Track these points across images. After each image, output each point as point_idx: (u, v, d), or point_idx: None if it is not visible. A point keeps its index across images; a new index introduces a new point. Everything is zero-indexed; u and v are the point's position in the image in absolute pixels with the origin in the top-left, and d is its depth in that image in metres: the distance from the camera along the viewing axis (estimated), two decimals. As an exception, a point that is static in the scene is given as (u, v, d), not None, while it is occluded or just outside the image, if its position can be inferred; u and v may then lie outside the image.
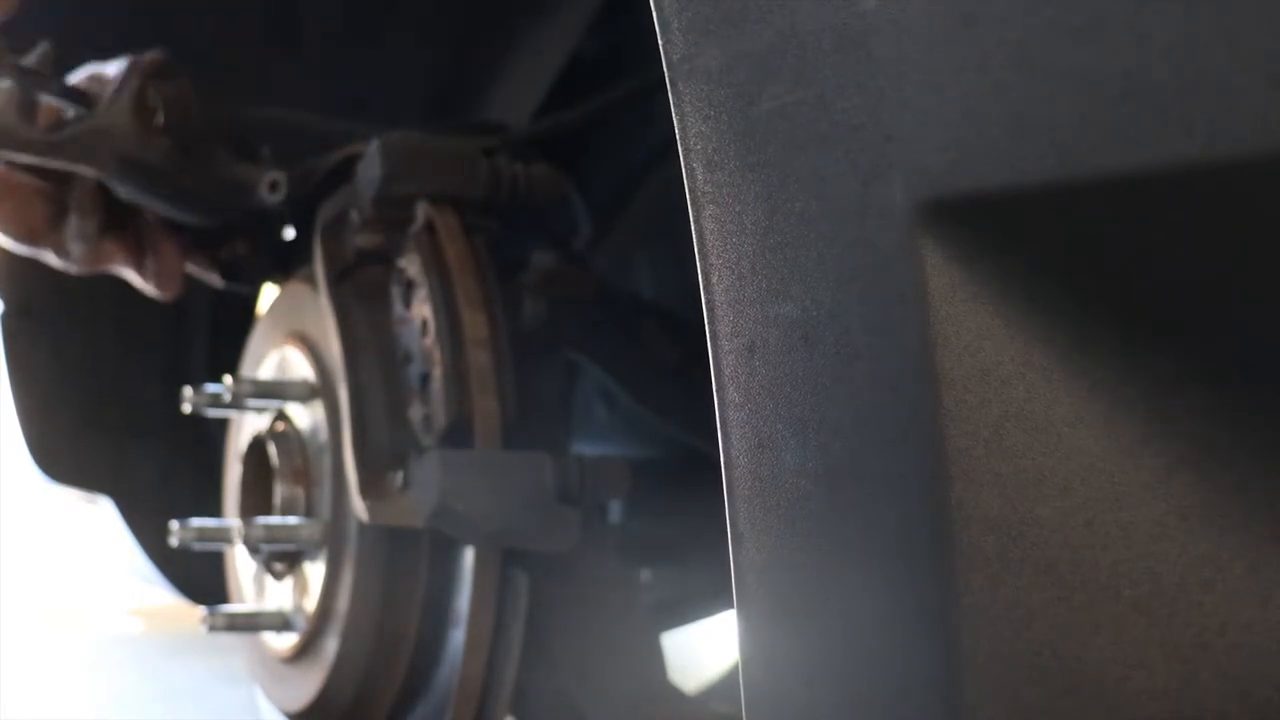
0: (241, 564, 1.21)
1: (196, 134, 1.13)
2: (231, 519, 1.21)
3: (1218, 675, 0.45)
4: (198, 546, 1.15)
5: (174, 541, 1.14)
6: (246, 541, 1.08)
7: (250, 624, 1.14)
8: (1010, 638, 0.46)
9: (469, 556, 0.99)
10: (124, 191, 1.12)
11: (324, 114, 1.28)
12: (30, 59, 1.08)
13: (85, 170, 1.09)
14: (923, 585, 0.47)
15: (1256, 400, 0.45)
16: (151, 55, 1.12)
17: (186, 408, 1.16)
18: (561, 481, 0.96)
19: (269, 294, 1.37)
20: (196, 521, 1.15)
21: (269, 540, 1.09)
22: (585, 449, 1.26)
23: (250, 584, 1.19)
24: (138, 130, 1.08)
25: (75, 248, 1.15)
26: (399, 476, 0.98)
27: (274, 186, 1.15)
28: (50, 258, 1.16)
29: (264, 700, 1.19)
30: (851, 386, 0.48)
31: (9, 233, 1.14)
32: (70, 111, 1.09)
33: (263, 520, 1.09)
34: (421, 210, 1.03)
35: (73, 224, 1.14)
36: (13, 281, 1.45)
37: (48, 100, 1.08)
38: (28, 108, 1.06)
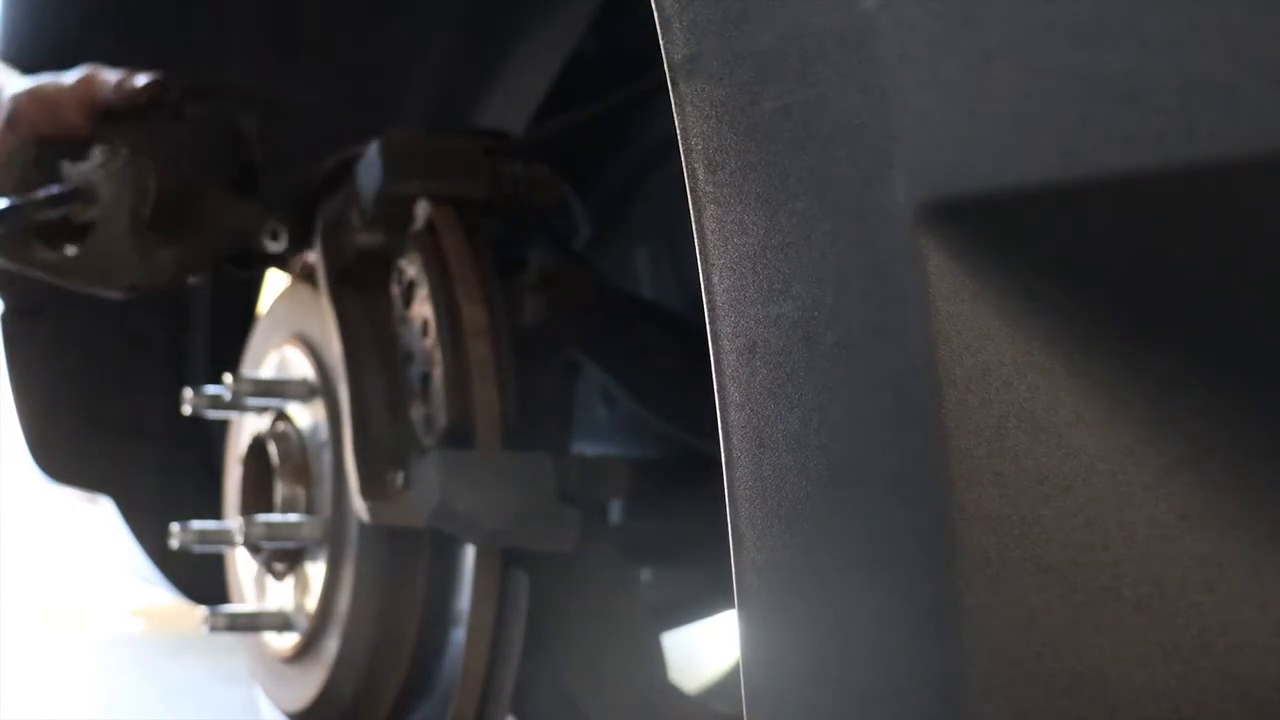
0: (242, 564, 1.21)
1: (187, 181, 1.13)
2: (232, 520, 1.21)
3: (1218, 675, 0.45)
4: (198, 549, 1.15)
5: (174, 544, 1.14)
6: (247, 539, 1.08)
7: (251, 624, 1.14)
8: (1011, 638, 0.46)
9: (469, 556, 0.99)
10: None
11: (326, 107, 1.28)
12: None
13: (97, 292, 1.12)
14: (923, 585, 0.47)
15: (1256, 400, 0.45)
16: (127, 93, 1.11)
17: (187, 409, 1.16)
18: (562, 481, 0.96)
19: (269, 294, 1.37)
20: (197, 524, 1.15)
21: (270, 538, 1.08)
22: (585, 449, 1.26)
23: (251, 584, 1.19)
24: (139, 258, 1.10)
25: None
26: (400, 476, 0.98)
27: (275, 235, 1.15)
28: None
29: (264, 700, 1.19)
30: (852, 386, 0.48)
31: None
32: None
33: (263, 518, 1.09)
34: (422, 210, 1.03)
35: None
36: (13, 281, 1.45)
37: (43, 218, 1.09)
38: (34, 231, 1.08)
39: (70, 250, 1.09)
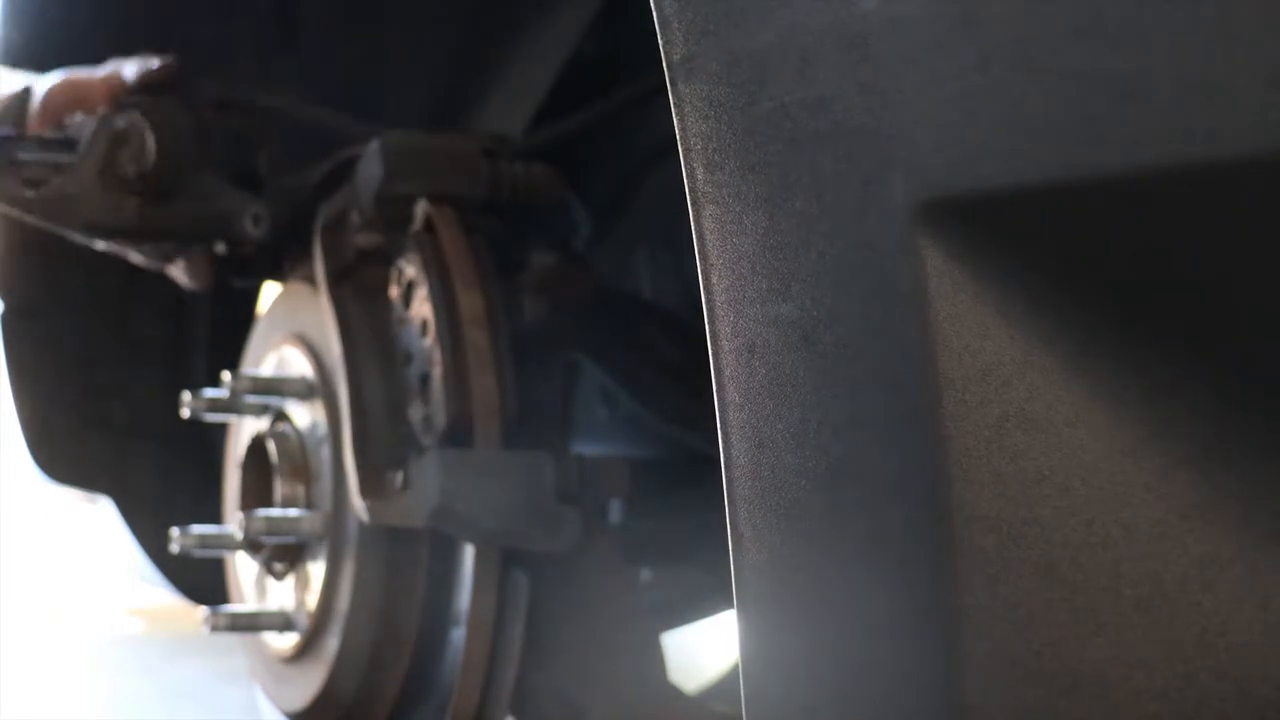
0: (242, 565, 1.21)
1: (183, 160, 1.14)
2: (232, 522, 1.21)
3: (1218, 675, 0.45)
4: (198, 553, 1.15)
5: (174, 548, 1.14)
6: (247, 534, 1.08)
7: (252, 624, 1.14)
8: (1010, 638, 0.46)
9: (469, 556, 0.99)
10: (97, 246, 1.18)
11: (327, 109, 1.28)
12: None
13: (58, 230, 1.14)
14: (923, 585, 0.47)
15: (1256, 400, 0.45)
16: (143, 71, 1.14)
17: (185, 413, 1.16)
18: (561, 481, 0.96)
19: (269, 294, 1.37)
20: (197, 528, 1.15)
21: (270, 532, 1.08)
22: (585, 449, 1.26)
23: (251, 585, 1.19)
24: (104, 196, 1.12)
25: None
26: (399, 476, 0.98)
27: (256, 220, 1.16)
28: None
29: (264, 700, 1.19)
30: (852, 386, 0.48)
31: None
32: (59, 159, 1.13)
33: (264, 512, 1.09)
34: (421, 209, 1.03)
35: None
36: (13, 281, 1.45)
37: (28, 158, 1.11)
38: (10, 166, 1.11)
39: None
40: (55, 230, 1.15)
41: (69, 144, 1.11)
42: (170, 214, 1.15)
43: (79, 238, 1.16)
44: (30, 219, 1.13)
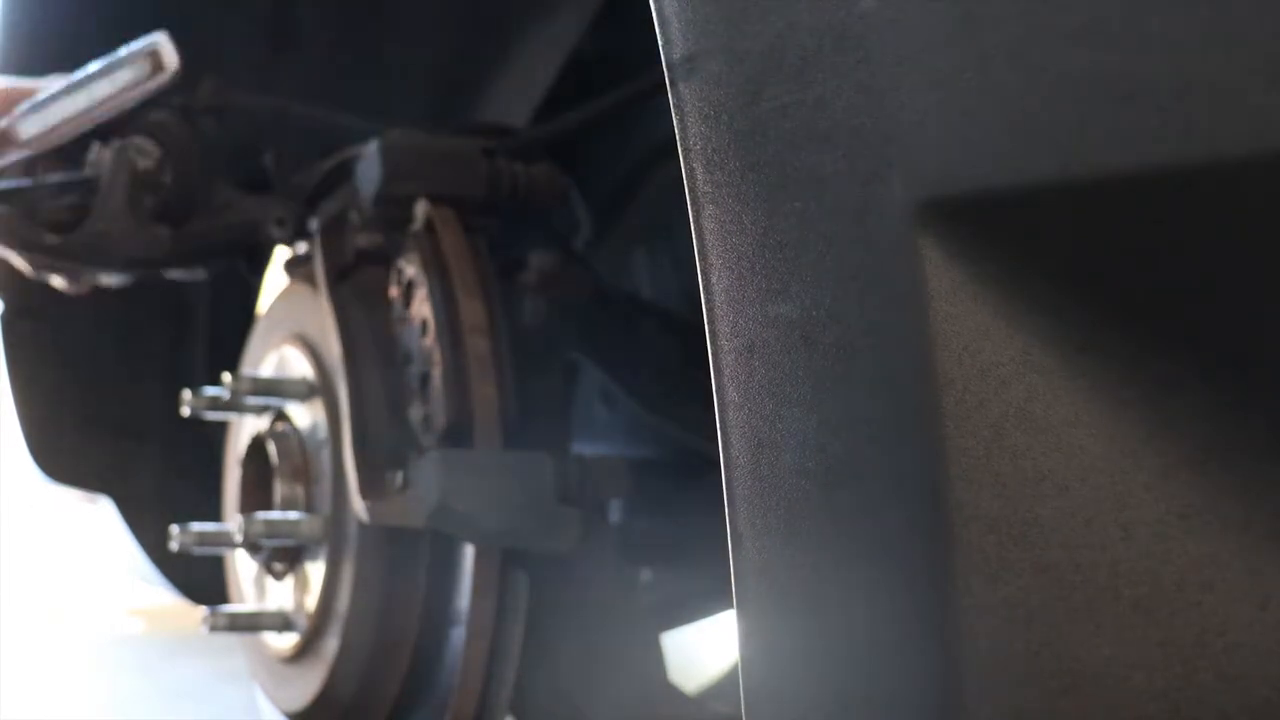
0: (242, 564, 1.21)
1: (195, 175, 1.14)
2: (231, 519, 1.21)
3: (1217, 675, 0.45)
4: (198, 551, 1.15)
5: (174, 546, 1.14)
6: (247, 537, 1.08)
7: (251, 624, 1.14)
8: (1010, 638, 0.46)
9: (469, 556, 0.99)
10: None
11: (327, 109, 1.28)
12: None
13: (95, 271, 1.14)
14: (922, 585, 0.47)
15: (1256, 400, 0.45)
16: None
17: (185, 411, 1.16)
18: (561, 481, 0.96)
19: (269, 294, 1.37)
20: (196, 526, 1.15)
21: (269, 535, 1.08)
22: (585, 449, 1.26)
23: (251, 584, 1.19)
24: (136, 230, 1.12)
25: None
26: (399, 476, 0.98)
27: (281, 223, 1.16)
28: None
29: (264, 700, 1.19)
30: (851, 386, 0.48)
31: None
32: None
33: (263, 515, 1.09)
34: (421, 210, 1.03)
35: None
36: (13, 282, 1.45)
37: (49, 205, 1.11)
38: (34, 215, 1.11)
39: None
40: (87, 272, 1.15)
41: (86, 183, 1.11)
42: (199, 234, 1.15)
43: (113, 277, 1.16)
44: (68, 265, 1.12)
